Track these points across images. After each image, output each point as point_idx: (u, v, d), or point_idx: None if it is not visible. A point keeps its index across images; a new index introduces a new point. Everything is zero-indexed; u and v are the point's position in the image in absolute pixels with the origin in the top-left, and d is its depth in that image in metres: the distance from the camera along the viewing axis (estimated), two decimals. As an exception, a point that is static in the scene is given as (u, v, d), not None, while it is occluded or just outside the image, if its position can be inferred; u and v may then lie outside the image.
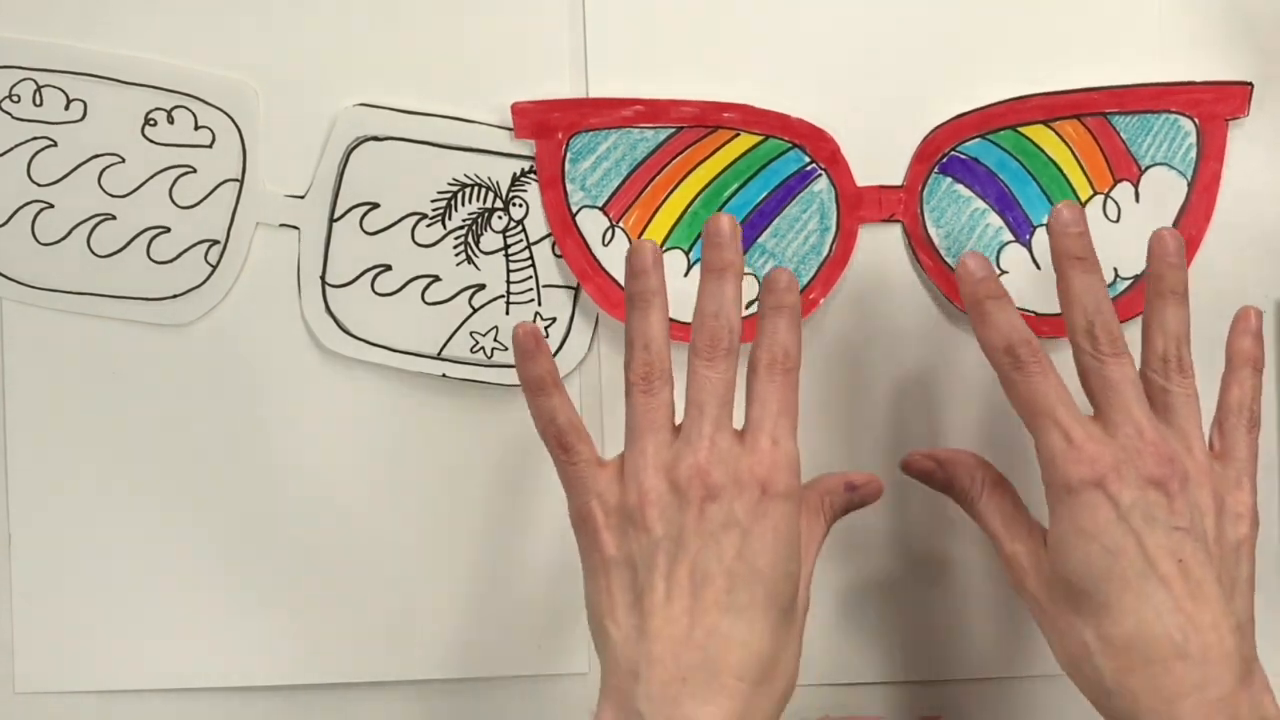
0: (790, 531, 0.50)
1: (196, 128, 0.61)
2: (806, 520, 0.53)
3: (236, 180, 0.62)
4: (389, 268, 0.62)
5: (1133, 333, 0.53)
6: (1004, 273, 0.61)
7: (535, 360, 0.52)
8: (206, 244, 0.62)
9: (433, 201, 0.61)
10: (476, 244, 0.62)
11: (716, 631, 0.48)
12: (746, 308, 0.56)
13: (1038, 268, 0.61)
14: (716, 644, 0.48)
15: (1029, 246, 0.61)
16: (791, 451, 0.51)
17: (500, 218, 0.62)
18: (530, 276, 0.62)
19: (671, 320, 0.61)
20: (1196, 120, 0.61)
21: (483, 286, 0.62)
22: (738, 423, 0.52)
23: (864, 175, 0.61)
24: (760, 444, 0.50)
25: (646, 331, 0.52)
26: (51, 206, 0.62)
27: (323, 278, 0.62)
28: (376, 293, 0.62)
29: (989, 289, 0.53)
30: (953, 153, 0.61)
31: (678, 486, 0.49)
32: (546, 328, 0.62)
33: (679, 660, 0.48)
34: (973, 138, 0.61)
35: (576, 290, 0.62)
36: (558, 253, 0.62)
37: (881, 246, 0.62)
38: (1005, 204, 0.61)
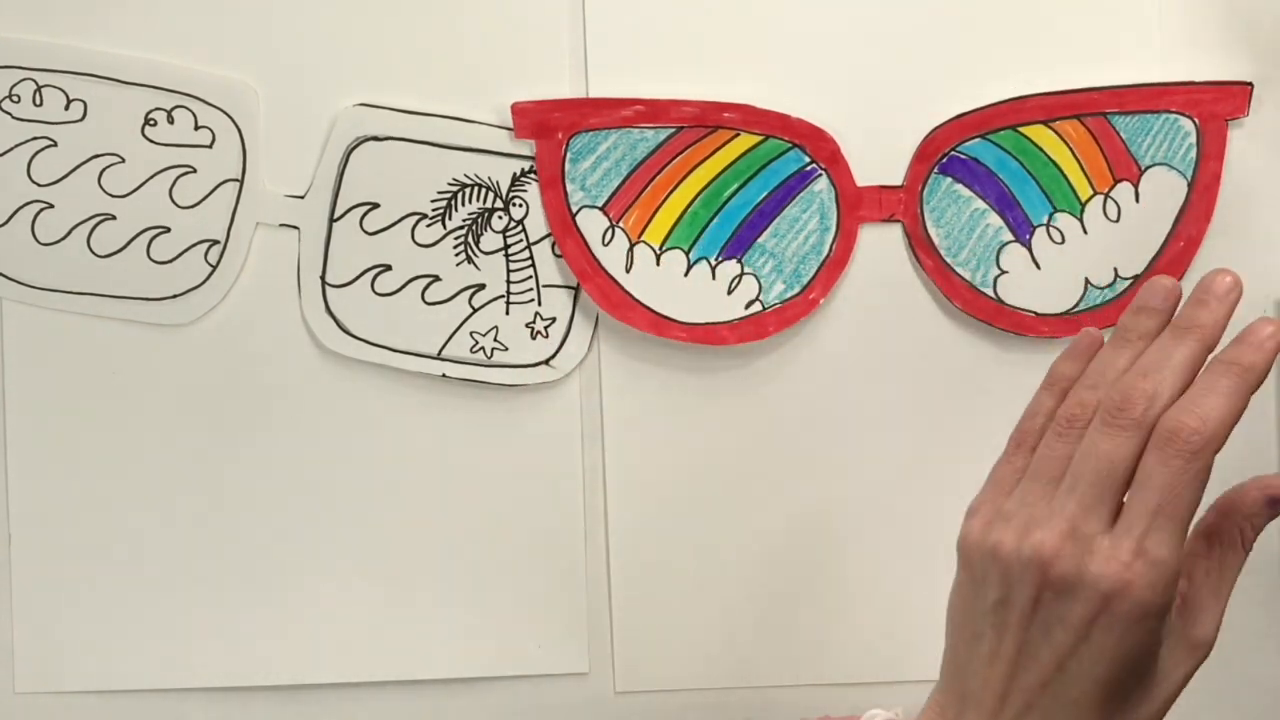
0: (1135, 650, 0.43)
1: (196, 128, 0.61)
2: (1221, 556, 0.46)
3: (236, 180, 0.62)
4: (389, 268, 0.62)
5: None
6: (1004, 273, 0.61)
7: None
8: (206, 244, 0.62)
9: (433, 201, 0.61)
10: (476, 244, 0.62)
11: (1031, 712, 0.44)
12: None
13: (1038, 268, 0.61)
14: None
15: (1029, 246, 0.61)
16: (1164, 561, 0.42)
17: (500, 218, 0.62)
18: (530, 276, 0.62)
19: (669, 319, 0.61)
20: (1196, 120, 0.61)
21: (483, 286, 0.62)
22: None
23: (864, 175, 0.61)
24: (1121, 549, 0.42)
25: (1112, 367, 0.46)
26: (51, 206, 0.62)
27: (323, 278, 0.62)
28: (376, 293, 0.62)
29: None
30: (953, 153, 0.61)
31: (1020, 557, 0.44)
32: (546, 328, 0.62)
33: (998, 716, 0.45)
34: (973, 138, 0.61)
35: (576, 290, 0.62)
36: (558, 253, 0.62)
37: (881, 246, 0.62)
38: (1005, 204, 0.61)
